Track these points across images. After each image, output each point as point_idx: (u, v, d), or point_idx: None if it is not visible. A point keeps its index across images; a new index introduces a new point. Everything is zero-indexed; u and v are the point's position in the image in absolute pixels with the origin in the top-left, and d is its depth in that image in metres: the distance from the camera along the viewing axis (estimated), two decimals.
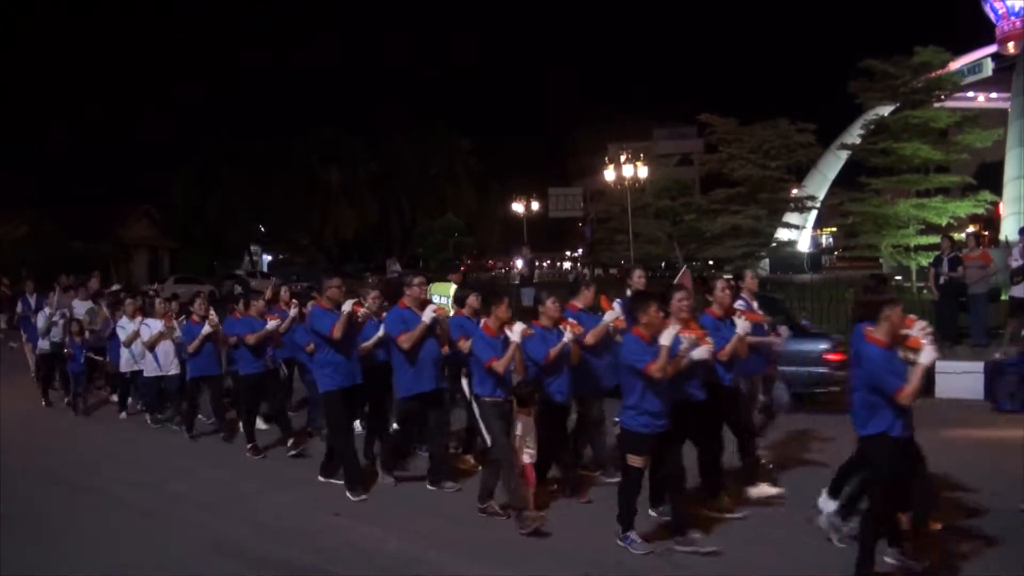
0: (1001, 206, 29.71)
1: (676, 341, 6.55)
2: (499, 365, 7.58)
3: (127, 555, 7.12)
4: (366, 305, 8.94)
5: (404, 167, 58.74)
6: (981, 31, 35.54)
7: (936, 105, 26.97)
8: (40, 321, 15.08)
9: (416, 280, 8.82)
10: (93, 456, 11.01)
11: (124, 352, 12.92)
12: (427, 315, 8.37)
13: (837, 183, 37.95)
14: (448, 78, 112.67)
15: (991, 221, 32.46)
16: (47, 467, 10.40)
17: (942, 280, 15.40)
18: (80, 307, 15.46)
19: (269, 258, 61.75)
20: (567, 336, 7.83)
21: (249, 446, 10.47)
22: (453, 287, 14.79)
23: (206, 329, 11.30)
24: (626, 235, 30.86)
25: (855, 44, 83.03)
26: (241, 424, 11.01)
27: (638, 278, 9.50)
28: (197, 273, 44.09)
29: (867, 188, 28.03)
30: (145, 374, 12.61)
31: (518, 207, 48.84)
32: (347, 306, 8.35)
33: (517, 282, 28.60)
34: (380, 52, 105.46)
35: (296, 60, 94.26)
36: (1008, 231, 27.00)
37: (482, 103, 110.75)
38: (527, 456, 7.64)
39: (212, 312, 11.75)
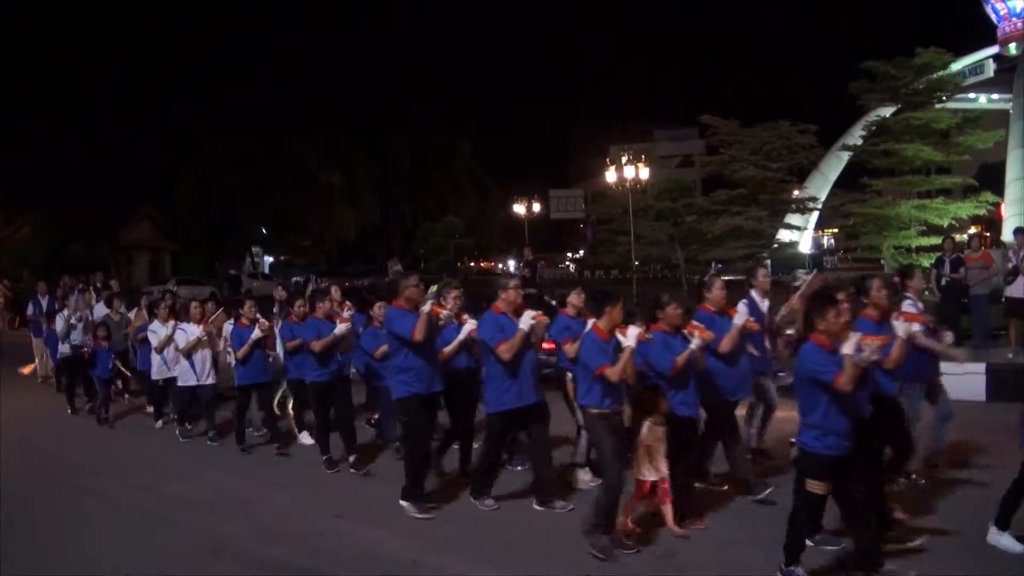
0: (1003, 207, 29.68)
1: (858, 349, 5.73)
2: (612, 373, 6.74)
3: (127, 557, 7.12)
4: (447, 307, 8.27)
5: (405, 169, 58.78)
6: (982, 32, 35.49)
7: (937, 106, 26.95)
8: (59, 324, 14.41)
9: (512, 283, 8.00)
10: (93, 457, 11.01)
11: (156, 358, 12.19)
12: (525, 322, 7.58)
13: (838, 184, 37.90)
14: (449, 79, 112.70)
15: (993, 222, 32.41)
16: (47, 468, 10.41)
17: (944, 281, 15.39)
18: (99, 310, 15.17)
19: (270, 259, 61.79)
20: (695, 342, 7.04)
21: (324, 458, 9.70)
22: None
23: (256, 333, 10.59)
24: (627, 236, 30.78)
25: (856, 45, 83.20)
26: (313, 438, 10.34)
27: (763, 277, 9.15)
28: (198, 275, 44.15)
29: (868, 189, 28.03)
30: (179, 383, 11.63)
31: (519, 209, 48.83)
32: (426, 306, 7.77)
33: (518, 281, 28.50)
34: (380, 54, 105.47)
35: (296, 61, 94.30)
36: (1009, 233, 26.98)
37: (483, 105, 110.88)
38: (652, 472, 6.97)
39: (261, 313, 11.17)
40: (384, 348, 9.17)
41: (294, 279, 49.45)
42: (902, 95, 27.02)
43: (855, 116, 34.41)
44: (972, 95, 35.78)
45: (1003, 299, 14.98)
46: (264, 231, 57.20)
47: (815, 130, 31.12)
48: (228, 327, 11.88)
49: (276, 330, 11.69)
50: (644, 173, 31.54)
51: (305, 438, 10.96)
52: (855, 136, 33.37)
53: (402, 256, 44.63)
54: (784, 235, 35.36)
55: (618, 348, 6.80)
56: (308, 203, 53.66)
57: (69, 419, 13.83)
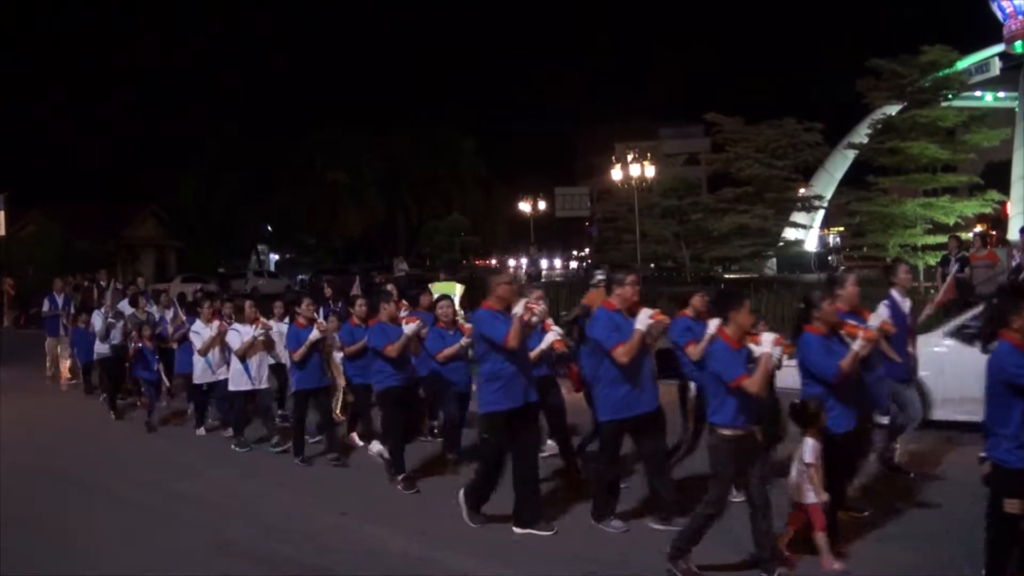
0: (1008, 206, 29.64)
1: None
2: (751, 384, 5.91)
3: (132, 555, 7.13)
4: (536, 308, 7.27)
5: (409, 167, 58.77)
6: (988, 30, 35.43)
7: (943, 104, 26.90)
8: (96, 322, 13.92)
9: (629, 279, 7.10)
10: (97, 455, 11.06)
11: (199, 361, 11.50)
12: (642, 321, 6.78)
13: (844, 182, 37.81)
14: (453, 77, 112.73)
15: (999, 220, 32.36)
16: (51, 466, 10.43)
17: (949, 280, 15.37)
18: (123, 308, 14.60)
19: (276, 257, 61.89)
20: (858, 344, 6.29)
21: (400, 478, 8.72)
22: (459, 287, 14.83)
23: (314, 334, 9.76)
24: (633, 235, 30.83)
25: (862, 43, 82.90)
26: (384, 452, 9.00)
27: (904, 274, 8.54)
28: (204, 273, 44.22)
29: (874, 187, 27.96)
30: (233, 387, 10.87)
31: (525, 207, 48.87)
32: (519, 308, 6.98)
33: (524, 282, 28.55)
34: (385, 51, 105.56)
35: (301, 60, 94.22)
36: (1015, 231, 26.95)
37: (488, 103, 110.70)
38: (811, 493, 6.17)
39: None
40: (450, 351, 9.25)
41: (299, 277, 49.61)
42: (908, 93, 26.95)
43: (861, 114, 34.35)
44: (978, 93, 35.69)
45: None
46: (269, 229, 57.27)
47: (821, 128, 31.05)
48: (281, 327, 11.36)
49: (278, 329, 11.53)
50: (650, 171, 31.61)
51: (374, 446, 9.58)
52: (861, 134, 33.31)
53: (407, 254, 44.70)
54: (790, 233, 35.28)
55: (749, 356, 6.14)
56: (313, 201, 53.70)
57: (72, 417, 13.89)
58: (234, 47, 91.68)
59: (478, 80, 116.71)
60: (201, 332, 11.48)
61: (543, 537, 7.04)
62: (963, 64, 31.02)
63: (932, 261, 23.81)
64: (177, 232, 52.32)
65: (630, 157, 32.33)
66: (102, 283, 23.82)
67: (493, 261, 57.99)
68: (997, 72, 35.25)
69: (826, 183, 38.85)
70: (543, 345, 8.20)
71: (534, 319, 7.13)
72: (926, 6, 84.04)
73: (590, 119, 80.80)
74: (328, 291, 14.47)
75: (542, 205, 49.49)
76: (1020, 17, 33.98)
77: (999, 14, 34.62)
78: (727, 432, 6.04)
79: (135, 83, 74.59)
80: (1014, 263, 14.75)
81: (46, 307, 17.37)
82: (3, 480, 9.25)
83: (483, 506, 7.39)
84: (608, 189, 41.20)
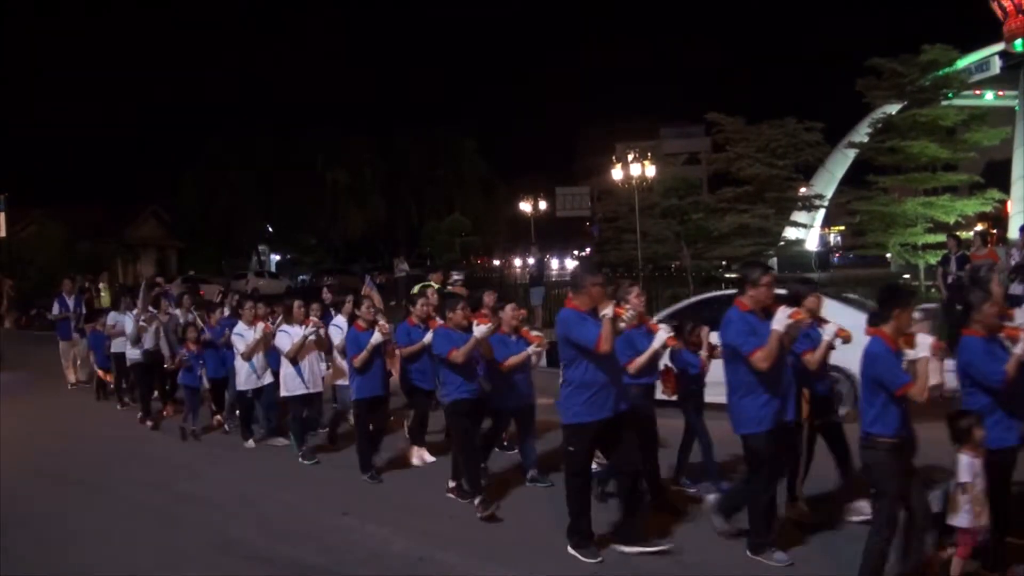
0: (1009, 204, 29.65)
1: None
2: (917, 391, 5.39)
3: (134, 555, 7.14)
4: (628, 309, 6.72)
5: (410, 167, 58.87)
6: (988, 29, 35.43)
7: (943, 103, 26.91)
8: (128, 325, 12.90)
9: (765, 278, 6.43)
10: (100, 455, 11.05)
11: (243, 366, 10.74)
12: (781, 321, 6.11)
13: (845, 181, 37.85)
14: (454, 77, 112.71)
15: (999, 219, 32.39)
16: (53, 466, 10.45)
17: (950, 279, 15.41)
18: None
19: (277, 258, 61.94)
20: (1019, 348, 5.63)
21: (479, 501, 7.80)
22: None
23: (376, 337, 8.94)
24: (634, 234, 30.75)
25: (862, 42, 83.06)
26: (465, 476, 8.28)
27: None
28: (205, 273, 44.24)
29: (875, 186, 27.97)
30: (286, 392, 10.20)
31: (525, 207, 48.85)
32: (608, 310, 6.34)
33: (527, 281, 28.51)
34: (386, 52, 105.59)
35: (302, 60, 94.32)
36: (1015, 230, 26.97)
37: (488, 103, 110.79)
38: (964, 516, 5.56)
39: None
40: (517, 359, 8.35)
41: (300, 277, 49.66)
42: (908, 92, 26.96)
43: (861, 113, 34.38)
44: (978, 92, 35.69)
45: (1008, 295, 14.94)
46: (270, 229, 57.31)
47: (821, 127, 31.04)
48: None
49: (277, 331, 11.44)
50: (650, 171, 31.55)
51: (425, 455, 9.65)
52: (861, 133, 33.32)
53: (408, 255, 44.72)
54: (790, 233, 35.28)
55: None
56: (314, 202, 53.78)
57: (72, 418, 13.89)
58: (235, 47, 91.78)
59: (479, 80, 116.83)
60: (244, 335, 10.69)
61: (544, 537, 7.03)
62: (963, 63, 31.01)
63: (932, 260, 23.83)
64: (178, 232, 52.35)
65: (630, 157, 32.26)
66: (100, 285, 23.90)
67: (497, 260, 58.04)
68: (997, 71, 35.26)
69: (827, 182, 38.86)
70: (656, 344, 7.49)
71: (621, 324, 6.50)
72: (926, 5, 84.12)
73: (591, 119, 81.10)
74: (327, 296, 13.78)
75: (543, 205, 49.44)
76: (1020, 15, 33.96)
77: (999, 13, 34.60)
78: (887, 440, 5.54)
79: (136, 83, 74.74)
80: (1013, 262, 14.75)
81: (56, 310, 16.75)
82: (4, 481, 9.27)
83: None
84: (609, 189, 41.11)
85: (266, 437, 11.04)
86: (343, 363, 10.06)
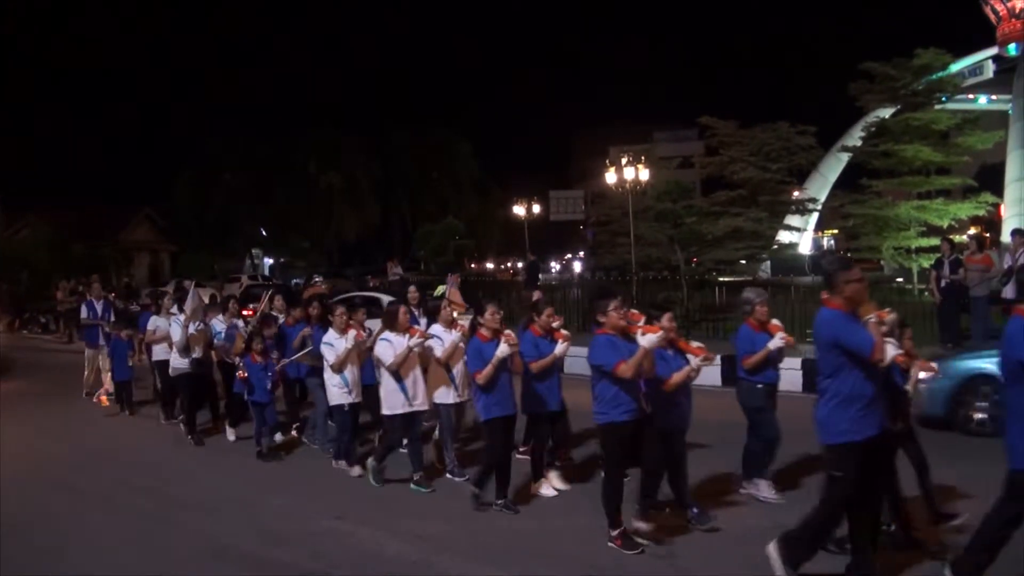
0: (1002, 208, 29.71)
1: None
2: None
3: (128, 558, 7.13)
4: (889, 311, 6.24)
5: (405, 170, 58.82)
6: (982, 33, 35.53)
7: (937, 107, 26.98)
8: (175, 332, 11.82)
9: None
10: (93, 459, 11.02)
11: (333, 379, 9.64)
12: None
13: (838, 185, 37.97)
14: (449, 80, 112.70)
15: (992, 223, 32.45)
16: (47, 470, 10.44)
17: (943, 283, 15.44)
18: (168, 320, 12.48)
19: (270, 261, 61.83)
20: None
21: (616, 533, 6.91)
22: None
23: (503, 350, 7.83)
24: (627, 238, 30.73)
25: (855, 46, 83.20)
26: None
27: None
28: (199, 277, 44.17)
29: (868, 190, 28.04)
30: (388, 411, 8.90)
31: (519, 210, 48.82)
32: (873, 314, 5.78)
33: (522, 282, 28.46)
34: (381, 54, 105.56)
35: (297, 62, 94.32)
36: (1008, 234, 27.03)
37: (483, 106, 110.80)
38: None
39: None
40: (545, 361, 8.12)
41: (293, 281, 49.59)
42: (902, 96, 27.05)
43: (854, 117, 34.44)
44: (972, 96, 35.80)
45: (1000, 300, 14.98)
46: (264, 232, 57.21)
47: (814, 131, 31.08)
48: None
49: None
50: (644, 174, 31.47)
51: (555, 483, 8.59)
52: (854, 137, 33.40)
53: (402, 257, 44.63)
54: (784, 236, 35.32)
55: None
56: (308, 204, 53.71)
57: (69, 420, 13.81)
58: (230, 48, 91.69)
59: (473, 83, 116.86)
60: (335, 344, 9.60)
61: (540, 541, 7.04)
62: (956, 67, 31.10)
63: (926, 263, 23.88)
64: (172, 235, 52.26)
65: (624, 160, 32.21)
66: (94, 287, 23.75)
67: (491, 264, 58.03)
68: (990, 75, 35.37)
69: (820, 186, 38.96)
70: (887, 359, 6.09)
71: (883, 328, 5.84)
72: (919, 9, 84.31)
73: (584, 122, 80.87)
74: (414, 295, 11.98)
75: (536, 208, 49.42)
76: (1013, 20, 34.05)
77: (992, 17, 34.70)
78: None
79: (130, 85, 74.65)
80: (1007, 265, 14.79)
81: (84, 314, 15.94)
82: (3, 486, 9.24)
83: (805, 563, 5.94)
84: (602, 192, 41.09)
85: (335, 456, 9.92)
86: (445, 375, 9.11)
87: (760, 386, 7.93)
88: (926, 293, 19.50)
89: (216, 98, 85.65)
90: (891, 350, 5.72)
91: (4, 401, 14.88)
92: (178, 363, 11.92)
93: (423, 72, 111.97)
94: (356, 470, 9.47)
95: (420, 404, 8.93)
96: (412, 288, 11.87)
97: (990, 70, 35.32)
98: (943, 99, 27.38)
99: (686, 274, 27.12)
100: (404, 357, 8.69)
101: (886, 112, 28.88)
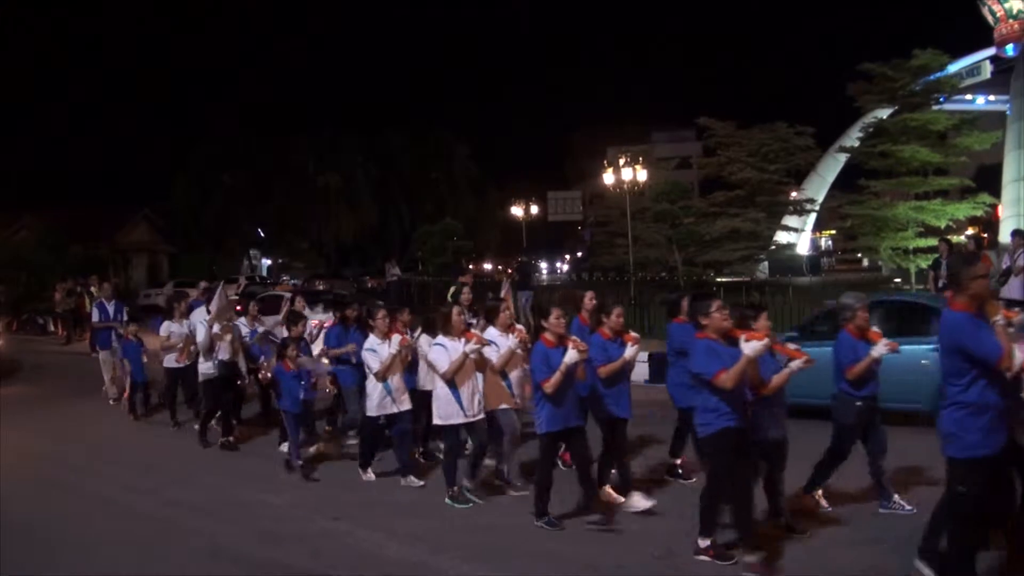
0: (1000, 208, 29.74)
1: None
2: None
3: (127, 559, 7.12)
4: (1020, 312, 5.77)
5: (403, 171, 58.79)
6: (979, 34, 35.57)
7: (935, 108, 27.01)
8: (200, 333, 11.38)
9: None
10: (92, 461, 11.00)
11: (375, 388, 8.96)
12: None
13: (836, 186, 38.02)
14: (447, 81, 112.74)
15: (990, 223, 32.49)
16: (47, 471, 10.42)
17: (941, 283, 15.43)
18: (198, 315, 12.09)
19: (268, 262, 61.79)
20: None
21: (748, 551, 6.31)
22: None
23: (571, 356, 7.20)
24: (625, 239, 30.81)
25: (853, 47, 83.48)
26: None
27: None
28: (196, 277, 44.15)
29: (866, 191, 28.09)
30: (442, 421, 8.32)
31: (517, 211, 48.84)
32: (999, 316, 5.22)
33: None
34: (379, 55, 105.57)
35: (295, 62, 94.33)
36: (1006, 234, 27.05)
37: (481, 107, 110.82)
38: None
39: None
40: (614, 366, 7.67)
41: (291, 282, 49.57)
42: (899, 97, 27.10)
43: (852, 118, 34.53)
44: (969, 97, 35.83)
45: (998, 300, 14.96)
46: (261, 233, 57.18)
47: (812, 132, 31.27)
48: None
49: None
50: (642, 175, 31.55)
51: (639, 501, 7.74)
52: (852, 138, 33.48)
53: (400, 258, 44.63)
54: (781, 237, 35.42)
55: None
56: (306, 205, 53.70)
57: (67, 422, 13.77)
58: (228, 50, 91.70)
59: (472, 84, 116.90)
60: (378, 350, 8.95)
61: (539, 541, 7.04)
62: (954, 68, 31.16)
63: (923, 264, 23.90)
64: (170, 236, 52.22)
65: (622, 161, 32.27)
66: (92, 289, 23.70)
67: (488, 264, 58.02)
68: (988, 76, 35.40)
69: (818, 186, 39.00)
70: (1016, 367, 5.51)
71: (1010, 330, 5.34)
72: (917, 10, 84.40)
73: (583, 123, 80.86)
74: (467, 297, 11.49)
75: (534, 209, 49.44)
76: (1011, 21, 34.08)
77: (990, 18, 34.73)
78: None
79: (128, 86, 74.63)
80: (1004, 266, 14.80)
81: (96, 317, 15.56)
82: (3, 486, 9.23)
83: None
84: (600, 193, 41.22)
85: (401, 472, 9.17)
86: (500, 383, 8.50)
87: (859, 402, 7.32)
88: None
89: (215, 97, 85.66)
90: (1020, 356, 5.29)
91: (4, 402, 14.85)
92: (205, 368, 11.43)
93: (421, 72, 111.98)
94: (369, 474, 9.25)
95: (476, 414, 8.31)
96: (466, 289, 11.29)
97: (988, 71, 35.35)
98: (941, 100, 27.43)
99: (684, 275, 27.13)
100: (460, 364, 8.12)
101: (884, 113, 28.94)
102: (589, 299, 9.19)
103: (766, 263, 34.84)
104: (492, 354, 8.35)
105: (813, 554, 6.53)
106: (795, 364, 6.82)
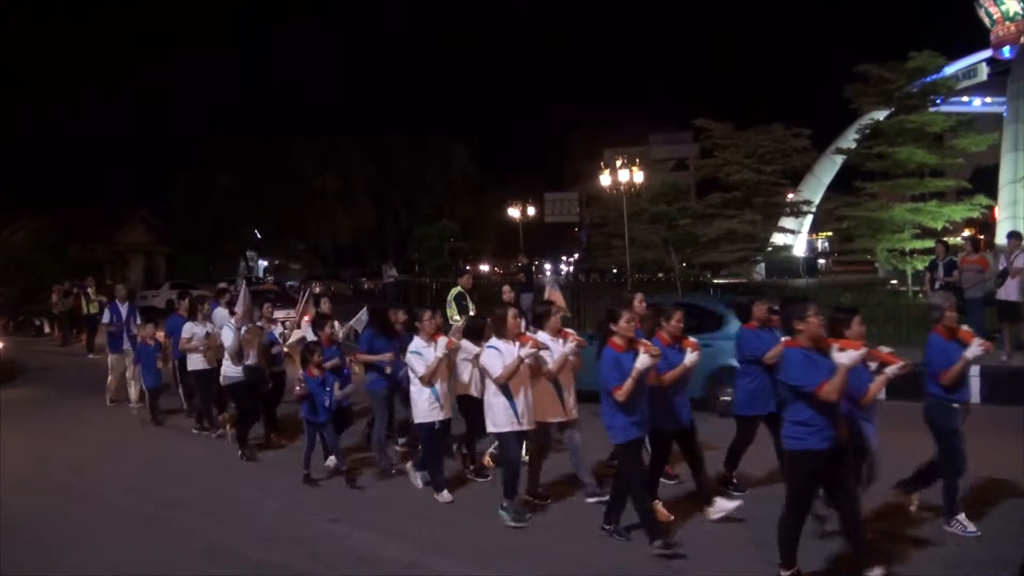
0: (996, 210, 29.78)
1: None
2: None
3: (124, 560, 7.13)
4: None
5: (400, 172, 58.79)
6: (976, 36, 35.68)
7: (931, 109, 27.04)
8: (227, 337, 10.85)
9: None
10: (90, 462, 10.99)
11: (422, 393, 8.50)
12: None
13: (832, 187, 38.05)
14: (444, 83, 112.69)
15: (987, 225, 32.54)
16: (46, 472, 10.42)
17: (938, 285, 15.46)
18: (220, 316, 11.93)
19: (264, 264, 61.77)
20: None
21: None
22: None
23: (643, 361, 6.77)
24: (622, 240, 30.78)
25: (850, 49, 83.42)
26: None
27: None
28: (194, 279, 44.13)
29: (862, 192, 28.07)
30: (495, 428, 7.90)
31: (514, 212, 48.84)
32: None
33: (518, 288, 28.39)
34: (377, 56, 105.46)
35: (293, 64, 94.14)
36: (1003, 236, 27.08)
37: (478, 108, 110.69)
38: None
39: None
40: (676, 372, 7.38)
41: (288, 283, 49.56)
42: (896, 98, 27.08)
43: (849, 119, 34.55)
44: (966, 98, 35.93)
45: (996, 301, 15.02)
46: (258, 235, 57.15)
47: (809, 133, 31.21)
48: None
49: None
50: (638, 176, 31.52)
51: (725, 504, 7.44)
52: (849, 139, 33.51)
53: (397, 260, 44.60)
54: (778, 238, 35.45)
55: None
56: (303, 206, 53.67)
57: (68, 422, 13.75)
58: (226, 51, 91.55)
59: (469, 86, 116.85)
60: (424, 353, 8.54)
61: (538, 542, 7.05)
62: (951, 70, 31.24)
63: (920, 266, 23.92)
64: (167, 237, 52.19)
65: (619, 162, 32.24)
66: (88, 290, 23.67)
67: (485, 266, 57.97)
68: (984, 77, 35.53)
69: (814, 188, 39.04)
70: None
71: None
72: (914, 12, 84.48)
73: (580, 124, 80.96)
74: (509, 295, 11.25)
75: (531, 210, 49.43)
76: (1007, 23, 34.19)
77: (986, 20, 34.88)
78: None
79: (125, 87, 74.51)
80: (1001, 267, 14.83)
81: (107, 319, 15.26)
82: (3, 487, 9.23)
83: None
84: (597, 194, 41.17)
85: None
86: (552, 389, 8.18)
87: (956, 405, 7.01)
88: (920, 295, 19.55)
89: (211, 100, 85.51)
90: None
91: (4, 404, 14.83)
92: (231, 372, 10.90)
93: (419, 73, 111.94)
94: (445, 495, 8.46)
95: (528, 423, 7.87)
96: (507, 288, 10.83)
97: (984, 73, 35.49)
98: (937, 101, 27.42)
99: (681, 276, 27.13)
100: (515, 369, 7.71)
101: (880, 114, 28.93)
102: (639, 301, 8.90)
103: (763, 265, 34.83)
104: (548, 360, 8.04)
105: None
106: (891, 370, 6.32)
